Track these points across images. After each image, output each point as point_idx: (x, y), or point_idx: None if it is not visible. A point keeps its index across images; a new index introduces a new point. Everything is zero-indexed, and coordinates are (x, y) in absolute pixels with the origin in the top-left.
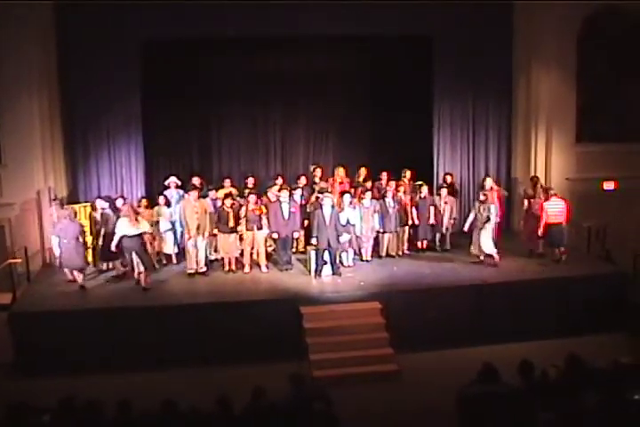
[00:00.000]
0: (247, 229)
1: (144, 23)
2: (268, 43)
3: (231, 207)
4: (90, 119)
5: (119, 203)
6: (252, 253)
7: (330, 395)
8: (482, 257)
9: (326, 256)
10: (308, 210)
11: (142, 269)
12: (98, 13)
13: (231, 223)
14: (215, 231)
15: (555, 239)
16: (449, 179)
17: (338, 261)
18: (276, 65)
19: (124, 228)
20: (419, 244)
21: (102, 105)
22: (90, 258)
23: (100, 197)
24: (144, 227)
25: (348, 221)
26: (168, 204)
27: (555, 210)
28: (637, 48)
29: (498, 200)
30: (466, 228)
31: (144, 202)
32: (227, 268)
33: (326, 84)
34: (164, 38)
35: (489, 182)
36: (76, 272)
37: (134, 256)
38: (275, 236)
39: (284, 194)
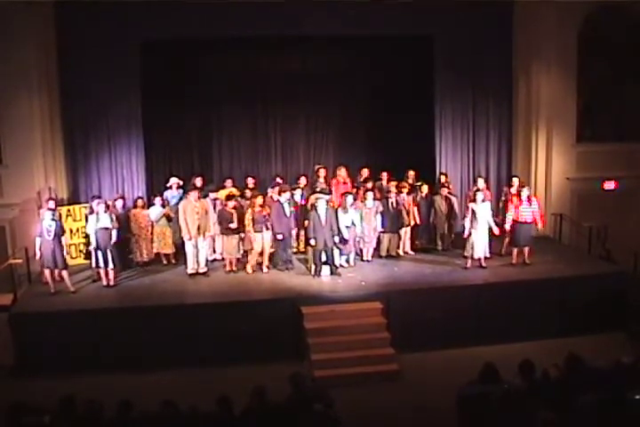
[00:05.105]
0: (255, 231)
1: (144, 23)
2: (268, 43)
3: (234, 208)
4: (90, 119)
5: (119, 203)
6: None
7: (331, 395)
8: (469, 264)
9: (324, 256)
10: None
11: (112, 265)
12: (98, 13)
13: (234, 224)
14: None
15: (522, 238)
16: (443, 179)
17: (338, 261)
18: (276, 65)
19: (91, 223)
20: (419, 243)
21: (102, 105)
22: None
23: (94, 196)
24: (104, 222)
25: (352, 223)
26: (164, 205)
27: (532, 208)
28: (638, 48)
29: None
30: (466, 233)
31: (140, 202)
32: (227, 268)
33: (326, 84)
34: (164, 38)
35: (481, 183)
36: (65, 275)
37: (108, 253)
38: (280, 237)
39: (286, 195)
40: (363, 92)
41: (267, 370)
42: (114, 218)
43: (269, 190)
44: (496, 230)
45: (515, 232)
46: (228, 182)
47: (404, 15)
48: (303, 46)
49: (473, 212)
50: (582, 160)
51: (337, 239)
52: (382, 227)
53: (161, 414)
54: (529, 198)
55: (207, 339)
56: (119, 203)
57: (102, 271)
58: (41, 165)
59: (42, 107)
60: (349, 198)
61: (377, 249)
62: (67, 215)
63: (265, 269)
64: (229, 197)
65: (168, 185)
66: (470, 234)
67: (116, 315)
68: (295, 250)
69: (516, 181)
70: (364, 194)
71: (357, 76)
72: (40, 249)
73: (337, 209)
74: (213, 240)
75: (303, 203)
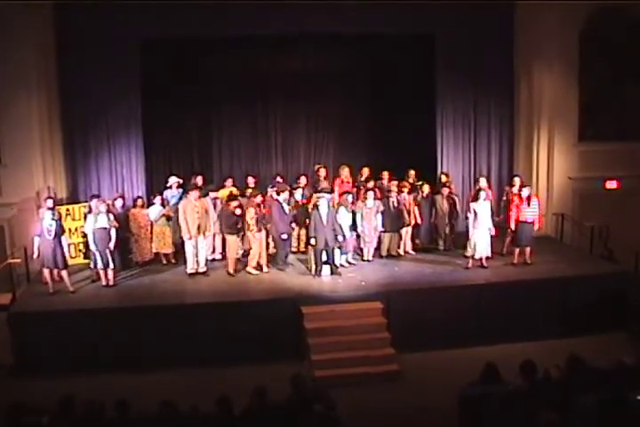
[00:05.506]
0: (259, 230)
1: (144, 23)
2: (267, 42)
3: (238, 208)
4: (90, 119)
5: (118, 203)
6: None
7: (331, 396)
8: (470, 263)
9: (325, 256)
10: (309, 210)
11: (111, 265)
12: (97, 13)
13: (240, 224)
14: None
15: (523, 238)
16: (444, 178)
17: (338, 261)
18: (276, 65)
19: (89, 223)
20: (420, 243)
21: (102, 105)
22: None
23: (93, 195)
24: (102, 222)
25: (354, 222)
26: (163, 204)
27: (531, 209)
28: (638, 48)
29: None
30: (470, 232)
31: (140, 201)
32: (228, 268)
33: (327, 84)
34: (164, 38)
35: (483, 182)
36: (64, 275)
37: (107, 252)
38: (284, 237)
39: (284, 195)
40: (363, 91)
41: (267, 370)
42: (112, 218)
43: (269, 190)
44: (492, 231)
45: (516, 232)
46: (229, 182)
47: (404, 14)
48: (303, 45)
49: (474, 211)
50: (584, 159)
51: (340, 239)
52: (382, 226)
53: (160, 415)
54: (529, 198)
55: (207, 339)
56: (119, 202)
57: (102, 271)
58: (40, 164)
59: (40, 107)
60: (349, 198)
61: (377, 249)
62: (66, 215)
63: (265, 269)
64: (233, 197)
65: (168, 185)
66: (473, 234)
67: (115, 315)
68: (295, 250)
69: (517, 180)
70: (364, 193)
71: (358, 76)
72: (39, 249)
73: (338, 208)
74: (214, 240)
75: (304, 202)
